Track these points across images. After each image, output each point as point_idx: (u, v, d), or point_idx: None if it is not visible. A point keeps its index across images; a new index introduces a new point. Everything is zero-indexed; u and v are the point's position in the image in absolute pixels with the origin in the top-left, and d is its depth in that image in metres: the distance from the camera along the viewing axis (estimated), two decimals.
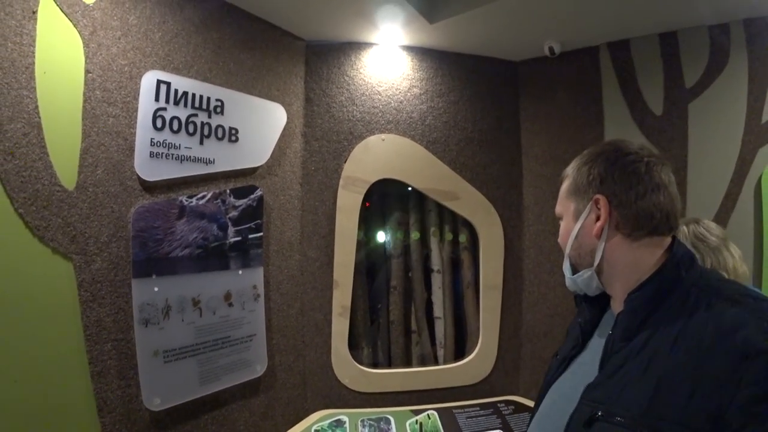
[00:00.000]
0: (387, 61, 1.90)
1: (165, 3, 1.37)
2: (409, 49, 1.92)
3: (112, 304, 1.21)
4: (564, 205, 0.80)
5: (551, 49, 1.94)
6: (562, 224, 0.80)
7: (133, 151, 1.26)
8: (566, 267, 0.79)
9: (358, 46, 1.87)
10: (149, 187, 1.29)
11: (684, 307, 0.63)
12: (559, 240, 0.82)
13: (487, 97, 2.05)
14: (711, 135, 1.90)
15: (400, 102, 1.90)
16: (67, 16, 1.16)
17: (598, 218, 0.72)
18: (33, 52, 1.10)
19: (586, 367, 0.72)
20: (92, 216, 1.18)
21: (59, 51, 1.15)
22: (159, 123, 1.30)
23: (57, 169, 1.13)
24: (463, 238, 2.05)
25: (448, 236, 2.06)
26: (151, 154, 1.27)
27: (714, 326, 0.58)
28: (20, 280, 1.06)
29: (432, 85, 1.95)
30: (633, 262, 0.71)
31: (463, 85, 2.00)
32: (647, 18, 1.82)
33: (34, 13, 1.11)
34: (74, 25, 1.17)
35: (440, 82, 1.97)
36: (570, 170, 0.80)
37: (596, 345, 0.75)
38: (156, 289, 1.27)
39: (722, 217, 1.85)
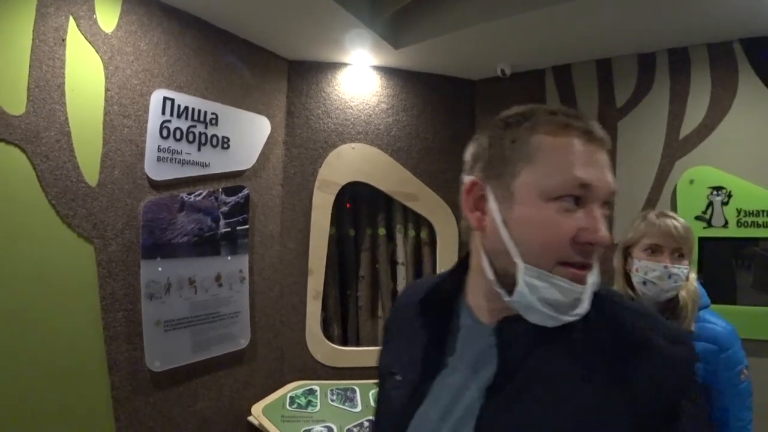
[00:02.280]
0: (358, 80, 2.19)
1: (169, 31, 1.64)
2: (378, 69, 2.23)
3: (124, 280, 1.47)
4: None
5: (503, 71, 2.26)
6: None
7: (144, 155, 1.52)
8: (598, 274, 0.56)
9: (334, 66, 2.17)
10: (156, 186, 1.56)
11: (585, 316, 0.53)
12: (604, 236, 0.52)
13: (446, 112, 2.37)
14: (636, 149, 2.22)
15: (369, 115, 2.20)
16: (90, 43, 1.42)
17: None
18: (63, 74, 1.36)
19: (455, 390, 0.59)
20: (110, 208, 1.44)
21: (84, 72, 1.41)
22: (165, 133, 1.57)
23: (82, 170, 1.39)
24: (424, 234, 2.36)
25: (411, 233, 2.36)
26: (158, 159, 1.54)
27: (620, 338, 0.53)
28: (50, 259, 1.32)
29: (398, 101, 2.25)
30: None
31: (425, 101, 2.31)
32: (586, 46, 2.14)
33: (63, 40, 1.37)
34: (96, 51, 1.43)
35: (405, 98, 2.27)
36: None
37: (462, 362, 0.60)
38: (160, 269, 1.53)
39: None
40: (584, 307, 0.52)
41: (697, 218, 2.02)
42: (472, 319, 0.62)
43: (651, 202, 2.18)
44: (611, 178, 0.54)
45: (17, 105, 1.26)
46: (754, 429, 1.19)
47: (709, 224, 2.00)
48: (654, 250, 1.22)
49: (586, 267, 0.53)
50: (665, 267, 1.18)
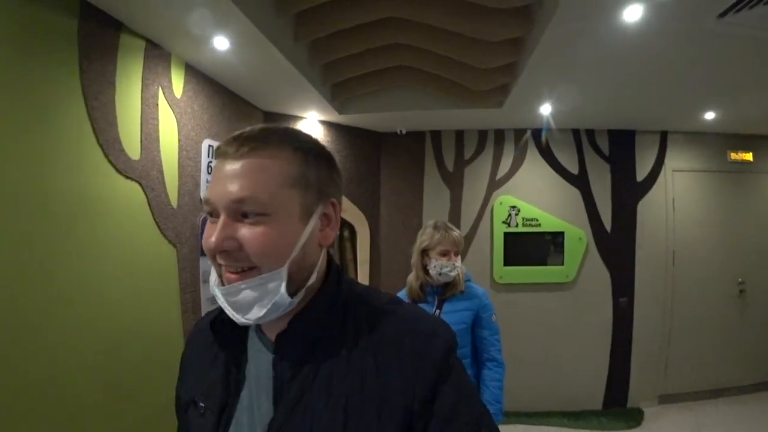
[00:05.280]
0: (311, 129, 3.09)
1: (208, 95, 2.31)
2: (324, 122, 3.17)
3: (190, 271, 2.13)
4: (279, 197, 0.55)
5: (400, 131, 3.45)
6: (267, 223, 0.54)
7: (199, 185, 2.19)
8: (276, 286, 0.55)
9: (294, 117, 3.03)
10: None
11: (344, 322, 0.59)
12: (257, 251, 0.54)
13: (365, 154, 3.44)
14: (473, 183, 3.67)
15: None
16: (170, 106, 2.04)
17: (323, 226, 0.61)
18: (158, 129, 1.97)
19: (250, 413, 0.59)
20: (184, 222, 2.09)
21: (168, 127, 2.03)
22: (209, 170, 2.25)
23: (169, 197, 2.02)
24: (346, 233, 3.39)
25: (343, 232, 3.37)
26: (206, 187, 2.22)
27: (380, 340, 0.57)
28: (151, 257, 1.93)
29: (335, 145, 3.23)
30: (321, 275, 0.63)
31: (351, 145, 3.35)
32: (449, 121, 3.47)
33: (157, 105, 1.97)
34: (173, 112, 2.06)
35: (340, 143, 3.27)
36: (281, 141, 0.58)
37: (254, 383, 0.60)
38: (209, 262, 2.22)
39: (474, 227, 3.63)
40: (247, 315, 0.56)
41: (503, 222, 3.56)
42: (257, 334, 0.63)
43: (480, 214, 3.65)
44: (245, 184, 0.53)
45: (135, 152, 1.86)
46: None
47: (509, 225, 3.56)
48: (445, 253, 1.82)
49: (230, 272, 0.56)
50: (453, 263, 1.82)
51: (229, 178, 0.55)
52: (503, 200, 3.60)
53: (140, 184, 1.86)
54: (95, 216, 1.62)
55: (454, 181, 3.66)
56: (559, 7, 1.67)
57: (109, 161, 1.69)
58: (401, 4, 2.00)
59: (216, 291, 0.58)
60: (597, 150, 3.63)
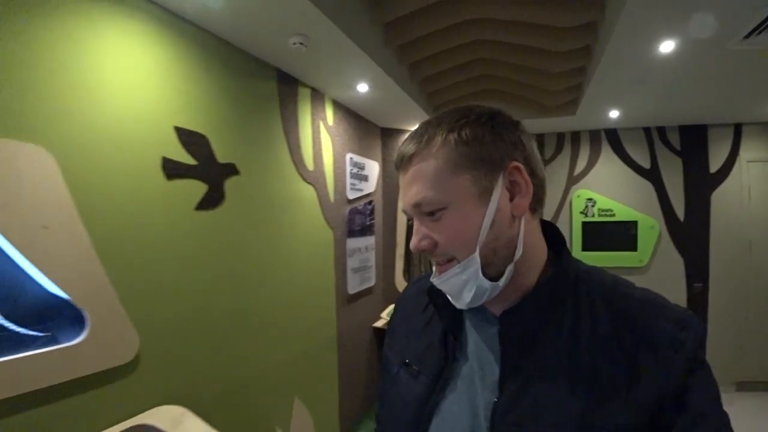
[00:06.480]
0: None
1: (347, 120, 3.16)
2: None
3: (340, 248, 3.01)
4: (446, 188, 0.56)
5: None
6: (447, 216, 0.57)
7: (345, 186, 3.06)
8: (474, 272, 0.57)
9: (401, 131, 3.82)
10: (350, 201, 3.10)
11: (578, 301, 0.57)
12: (447, 243, 0.58)
13: None
14: (553, 179, 4.21)
15: None
16: (327, 131, 2.92)
17: (512, 195, 0.57)
18: (321, 147, 2.85)
19: (470, 382, 0.61)
20: (337, 213, 2.97)
21: (326, 146, 2.90)
22: (350, 175, 3.11)
23: (330, 195, 2.90)
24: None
25: None
26: (350, 187, 3.08)
27: (624, 323, 0.55)
28: (320, 239, 2.81)
29: None
30: (538, 248, 0.61)
31: None
32: (531, 128, 4.06)
33: (320, 132, 2.85)
34: (329, 134, 2.93)
35: None
36: (434, 137, 0.58)
37: (476, 355, 0.62)
38: (351, 242, 3.09)
39: (555, 218, 4.19)
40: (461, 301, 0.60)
41: (581, 212, 4.08)
42: (480, 308, 0.63)
43: (560, 206, 4.19)
44: (416, 189, 0.57)
45: (310, 165, 2.73)
46: None
47: (586, 216, 4.07)
48: None
49: (438, 265, 0.61)
50: None
51: (404, 188, 0.60)
52: (581, 193, 4.11)
53: (314, 186, 2.74)
54: (291, 208, 2.51)
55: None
56: (619, 22, 1.87)
57: (299, 172, 2.58)
58: (487, 24, 2.34)
59: (433, 281, 0.62)
60: (668, 146, 4.00)
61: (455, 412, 0.61)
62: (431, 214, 0.58)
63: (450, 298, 0.63)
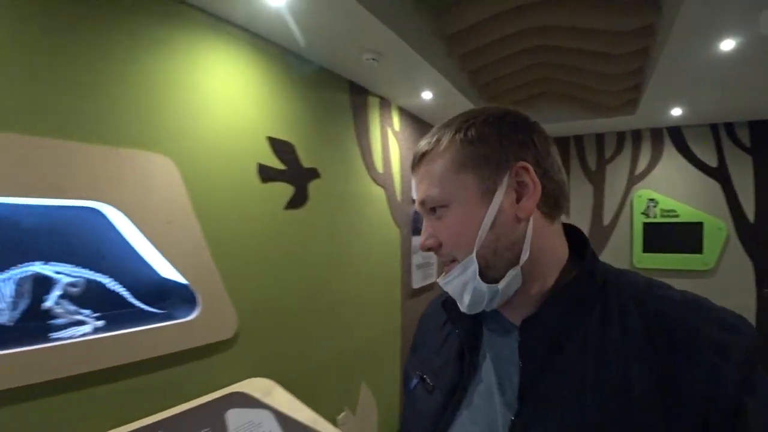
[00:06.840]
0: None
1: (411, 124, 3.39)
2: None
3: (406, 245, 3.22)
4: (449, 187, 0.57)
5: None
6: (448, 215, 0.57)
7: (411, 188, 3.29)
8: (471, 274, 0.55)
9: None
10: (414, 201, 3.31)
11: (606, 306, 0.53)
12: (448, 240, 0.58)
13: None
14: (614, 179, 4.23)
15: None
16: (394, 136, 3.14)
17: (519, 196, 0.56)
18: (389, 152, 3.07)
19: (488, 398, 0.57)
20: (403, 212, 3.19)
21: (394, 150, 3.13)
22: None
23: (397, 194, 3.12)
24: None
25: None
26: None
27: (661, 328, 0.49)
28: (388, 235, 3.03)
29: None
30: (554, 252, 0.58)
31: None
32: (590, 127, 4.13)
33: (388, 137, 3.09)
34: (396, 139, 3.16)
35: None
36: (443, 137, 0.59)
37: (494, 368, 0.58)
38: (416, 239, 3.30)
39: (615, 218, 4.19)
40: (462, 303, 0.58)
41: (642, 213, 4.06)
42: (497, 317, 0.61)
43: (621, 206, 4.19)
44: (423, 187, 0.58)
45: (380, 168, 2.97)
46: None
47: (648, 216, 4.04)
48: None
49: (444, 265, 0.59)
50: None
51: (415, 187, 0.64)
52: (642, 193, 4.08)
53: (383, 188, 2.98)
54: (363, 207, 2.74)
55: (596, 178, 4.25)
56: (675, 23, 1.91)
57: (370, 175, 2.82)
58: (546, 32, 2.42)
59: (439, 281, 0.61)
60: (737, 142, 3.88)
61: (471, 430, 0.58)
62: (434, 211, 0.59)
63: (457, 303, 0.62)
